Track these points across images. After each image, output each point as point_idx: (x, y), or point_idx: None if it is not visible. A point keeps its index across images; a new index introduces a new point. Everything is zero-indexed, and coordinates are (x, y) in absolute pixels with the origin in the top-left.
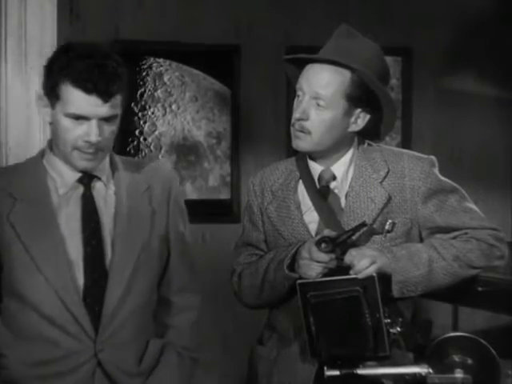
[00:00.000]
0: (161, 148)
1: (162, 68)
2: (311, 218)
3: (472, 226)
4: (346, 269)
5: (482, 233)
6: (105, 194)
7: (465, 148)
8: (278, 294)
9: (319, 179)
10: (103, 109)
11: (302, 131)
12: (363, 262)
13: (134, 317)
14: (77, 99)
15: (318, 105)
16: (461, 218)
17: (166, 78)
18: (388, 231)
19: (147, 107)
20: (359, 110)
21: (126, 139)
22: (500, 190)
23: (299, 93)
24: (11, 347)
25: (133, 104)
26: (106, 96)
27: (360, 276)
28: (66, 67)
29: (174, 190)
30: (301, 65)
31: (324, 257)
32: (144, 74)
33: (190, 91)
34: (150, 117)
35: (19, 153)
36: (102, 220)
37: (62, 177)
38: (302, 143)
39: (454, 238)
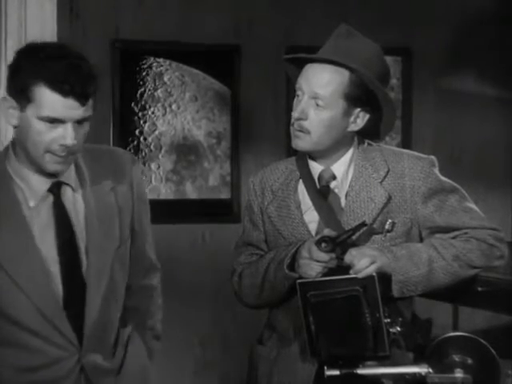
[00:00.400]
0: (161, 148)
1: (162, 68)
2: (311, 217)
3: (472, 226)
4: (346, 268)
5: (482, 233)
6: (73, 200)
7: (465, 148)
8: (278, 293)
9: (319, 179)
10: (79, 111)
11: (301, 131)
12: (363, 261)
13: (115, 319)
14: (52, 102)
15: (317, 104)
16: (461, 217)
17: (166, 78)
18: (388, 231)
19: (147, 107)
20: (358, 109)
21: (126, 139)
22: (500, 189)
23: (298, 92)
24: None
25: (133, 104)
26: (82, 99)
27: (360, 275)
28: (39, 68)
29: (135, 181)
30: (300, 64)
31: (324, 256)
32: (144, 73)
33: (190, 91)
34: (150, 117)
35: None
36: (75, 228)
37: (31, 187)
38: (301, 143)
39: (454, 237)
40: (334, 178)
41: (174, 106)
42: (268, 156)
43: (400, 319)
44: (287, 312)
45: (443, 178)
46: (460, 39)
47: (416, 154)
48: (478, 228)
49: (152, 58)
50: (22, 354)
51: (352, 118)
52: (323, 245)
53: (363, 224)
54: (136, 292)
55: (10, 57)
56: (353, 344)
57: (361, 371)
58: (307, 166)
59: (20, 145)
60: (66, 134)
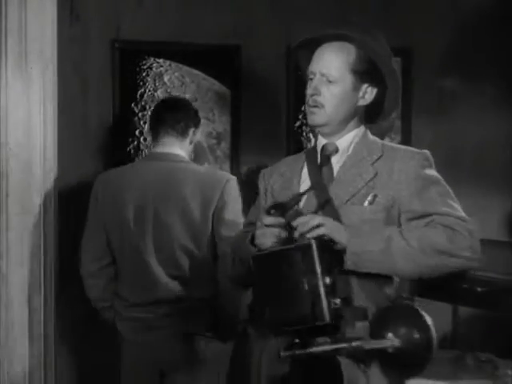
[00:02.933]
0: None
1: (162, 68)
2: (305, 186)
3: (443, 213)
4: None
5: (449, 219)
6: None
7: (464, 148)
8: (247, 270)
9: (322, 150)
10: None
11: (315, 106)
12: (312, 220)
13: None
14: None
15: (328, 81)
16: (435, 206)
17: (166, 78)
18: (369, 202)
19: (147, 107)
20: (366, 84)
21: (126, 139)
22: (500, 189)
23: (311, 75)
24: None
25: (133, 104)
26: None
27: (302, 229)
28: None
29: (225, 193)
30: (312, 50)
31: (272, 220)
32: (144, 74)
33: (190, 91)
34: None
35: (19, 153)
36: None
37: None
38: (317, 117)
39: (425, 226)
40: (336, 150)
41: None
42: (268, 156)
43: (348, 290)
44: None
45: (431, 171)
46: (460, 39)
47: (413, 149)
48: (446, 215)
49: (152, 59)
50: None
51: (361, 93)
52: (272, 210)
53: (311, 188)
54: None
55: (10, 57)
56: (292, 310)
57: (314, 349)
58: (315, 144)
59: None
60: None
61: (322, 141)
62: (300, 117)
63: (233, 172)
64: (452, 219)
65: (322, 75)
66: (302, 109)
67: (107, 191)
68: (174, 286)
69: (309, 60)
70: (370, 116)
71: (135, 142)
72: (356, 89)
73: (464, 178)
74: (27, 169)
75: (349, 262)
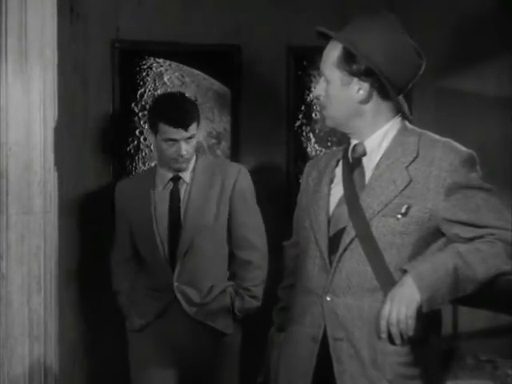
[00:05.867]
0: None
1: (162, 68)
2: (338, 190)
3: (496, 226)
4: None
5: (506, 234)
6: (186, 188)
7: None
8: None
9: (352, 152)
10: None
11: (321, 108)
12: (395, 326)
13: (209, 272)
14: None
15: (324, 81)
16: (484, 216)
17: (165, 78)
18: (402, 214)
19: (147, 107)
20: (356, 79)
21: (126, 139)
22: (500, 189)
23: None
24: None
25: (133, 104)
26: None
27: (407, 332)
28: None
29: (238, 183)
30: None
31: None
32: (144, 74)
33: (190, 91)
34: None
35: (19, 153)
36: (181, 207)
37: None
38: (326, 120)
39: (478, 237)
40: (364, 153)
41: None
42: (268, 156)
43: None
44: (296, 292)
45: (473, 175)
46: (460, 39)
47: (454, 144)
48: (502, 229)
49: (152, 59)
50: (149, 279)
51: (355, 89)
52: None
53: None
54: (236, 262)
55: (10, 57)
56: None
57: None
58: (349, 142)
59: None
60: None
61: (353, 141)
62: (300, 117)
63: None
64: (508, 234)
65: (321, 76)
66: (302, 109)
67: None
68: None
69: None
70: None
71: (135, 142)
72: (346, 84)
73: None
74: (27, 169)
75: (424, 308)
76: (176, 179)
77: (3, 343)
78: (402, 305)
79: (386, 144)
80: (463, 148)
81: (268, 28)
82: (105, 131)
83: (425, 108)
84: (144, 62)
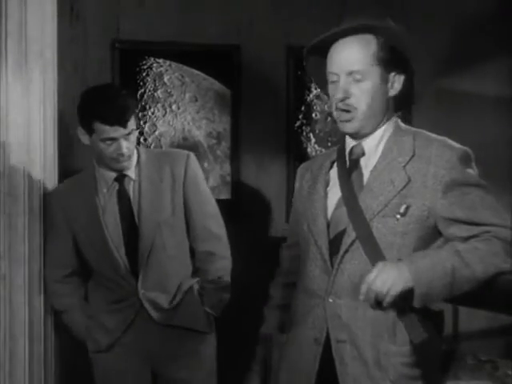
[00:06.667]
0: (161, 148)
1: (162, 68)
2: (335, 193)
3: (493, 223)
4: None
5: (504, 232)
6: (133, 186)
7: None
8: None
9: (350, 154)
10: (124, 131)
11: (347, 110)
12: (383, 288)
13: (172, 271)
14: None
15: (356, 79)
16: (481, 213)
17: (166, 79)
18: (401, 214)
19: (147, 107)
20: (393, 73)
21: None
22: (500, 189)
23: (333, 77)
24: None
25: None
26: (123, 123)
27: (386, 301)
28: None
29: (188, 170)
30: (324, 52)
31: None
32: (144, 74)
33: (190, 91)
34: (150, 117)
35: (19, 153)
36: (132, 205)
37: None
38: (349, 124)
39: (475, 236)
40: (363, 153)
41: (174, 107)
42: (268, 156)
43: None
44: (297, 295)
45: (470, 172)
46: (460, 39)
47: (449, 142)
48: (499, 226)
49: (152, 59)
50: (108, 292)
51: (390, 84)
52: None
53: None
54: (198, 255)
55: (10, 57)
56: None
57: None
58: (344, 144)
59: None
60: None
61: (350, 142)
62: (300, 117)
63: (233, 172)
64: (507, 232)
65: (349, 74)
66: (302, 109)
67: None
68: None
69: (318, 64)
70: (399, 103)
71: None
72: (385, 80)
73: None
74: (27, 169)
75: (417, 303)
76: (121, 178)
77: (3, 343)
78: (389, 279)
79: (382, 144)
80: (459, 145)
81: (268, 28)
82: None
83: (425, 108)
84: (144, 62)
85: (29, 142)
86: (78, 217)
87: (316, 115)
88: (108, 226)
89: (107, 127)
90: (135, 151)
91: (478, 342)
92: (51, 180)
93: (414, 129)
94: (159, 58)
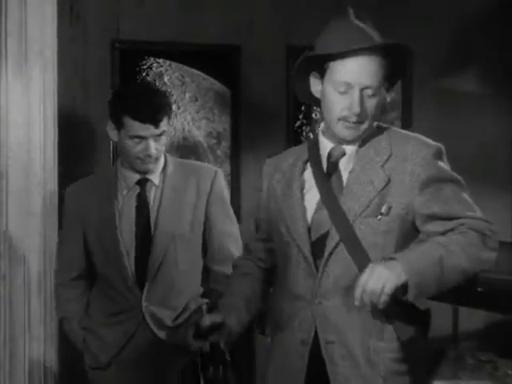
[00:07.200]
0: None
1: (161, 68)
2: (312, 196)
3: (467, 216)
4: None
5: (478, 223)
6: (154, 192)
7: (464, 148)
8: None
9: (329, 156)
10: (155, 130)
11: (358, 122)
12: (377, 287)
13: (181, 287)
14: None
15: (368, 94)
16: (454, 207)
17: (166, 78)
18: (383, 214)
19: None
20: (391, 86)
21: None
22: (500, 190)
23: (343, 87)
24: None
25: None
26: (156, 122)
27: (376, 301)
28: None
29: (214, 187)
30: (321, 62)
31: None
32: (144, 74)
33: (190, 91)
34: None
35: (19, 153)
36: (150, 213)
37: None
38: (354, 132)
39: (451, 230)
40: (343, 154)
41: (174, 107)
42: (268, 156)
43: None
44: (280, 298)
45: (444, 167)
46: (460, 39)
47: (424, 139)
48: (473, 218)
49: (152, 59)
50: (109, 303)
51: (387, 95)
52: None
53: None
54: (213, 276)
55: (10, 57)
56: None
57: None
58: (317, 146)
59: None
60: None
61: (326, 144)
62: (300, 117)
63: (233, 172)
64: (480, 223)
65: (365, 88)
66: (302, 109)
67: None
68: None
69: (302, 77)
70: None
71: None
72: (385, 94)
73: (464, 177)
74: (27, 169)
75: (411, 295)
76: (143, 182)
77: (3, 343)
78: (382, 277)
79: (359, 145)
80: (433, 142)
81: (268, 28)
82: (105, 132)
83: (425, 108)
84: (144, 62)
85: (29, 141)
86: (92, 216)
87: (316, 115)
88: (122, 230)
89: (138, 124)
90: (162, 156)
91: (478, 341)
92: (51, 180)
93: (385, 125)
94: (159, 57)
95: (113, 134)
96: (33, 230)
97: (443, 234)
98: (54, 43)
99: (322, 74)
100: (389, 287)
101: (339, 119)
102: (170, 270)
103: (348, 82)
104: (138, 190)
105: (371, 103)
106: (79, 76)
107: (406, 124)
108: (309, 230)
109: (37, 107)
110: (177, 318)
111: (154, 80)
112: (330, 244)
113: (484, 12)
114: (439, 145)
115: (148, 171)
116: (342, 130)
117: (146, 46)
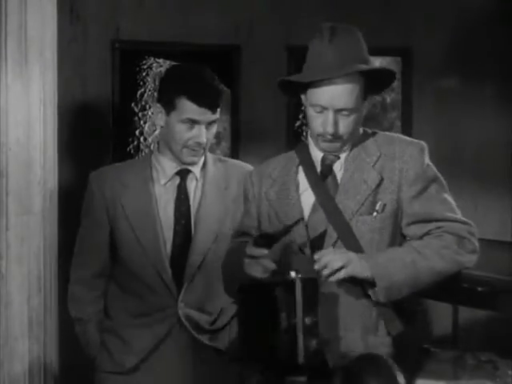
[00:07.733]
0: None
1: (161, 68)
2: (308, 198)
3: (446, 219)
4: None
5: (455, 226)
6: (195, 185)
7: (464, 148)
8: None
9: (323, 160)
10: (210, 116)
11: (334, 139)
12: (335, 262)
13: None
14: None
15: (344, 115)
16: (435, 207)
17: None
18: (378, 212)
19: (147, 107)
20: (370, 97)
21: (126, 139)
22: (500, 189)
23: (318, 109)
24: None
25: (133, 104)
26: (213, 108)
27: (326, 273)
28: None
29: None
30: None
31: (257, 252)
32: (144, 74)
33: None
34: (150, 117)
35: (19, 153)
36: (191, 207)
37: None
38: (333, 146)
39: (428, 233)
40: (338, 157)
41: None
42: (268, 156)
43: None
44: None
45: (430, 165)
46: (460, 39)
47: (407, 138)
48: (451, 221)
49: (152, 59)
50: (135, 302)
51: (366, 105)
52: (258, 241)
53: (301, 219)
54: None
55: (10, 57)
56: (268, 346)
57: None
58: (308, 151)
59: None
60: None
61: (318, 150)
62: (300, 117)
63: None
64: (457, 225)
65: (338, 111)
66: (302, 109)
67: None
68: None
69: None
70: None
71: (135, 142)
72: (365, 106)
73: (464, 177)
74: (27, 169)
75: (381, 297)
76: (185, 173)
77: (3, 343)
78: (349, 259)
79: (348, 147)
80: (415, 140)
81: (268, 28)
82: (105, 131)
83: (425, 108)
84: (144, 62)
85: (29, 141)
86: (123, 203)
87: None
88: (162, 224)
89: (194, 106)
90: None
91: (478, 342)
92: (51, 179)
93: (370, 130)
94: (159, 58)
95: (159, 119)
96: (33, 229)
97: (421, 237)
98: (54, 43)
99: (305, 93)
100: (350, 269)
101: (318, 135)
102: (210, 272)
103: (323, 105)
104: (178, 180)
105: (347, 122)
106: (79, 76)
107: (406, 124)
108: (306, 229)
109: (37, 107)
110: (214, 321)
111: (154, 80)
112: (328, 243)
113: (484, 12)
114: (422, 142)
115: (193, 162)
116: (321, 143)
117: (146, 46)
